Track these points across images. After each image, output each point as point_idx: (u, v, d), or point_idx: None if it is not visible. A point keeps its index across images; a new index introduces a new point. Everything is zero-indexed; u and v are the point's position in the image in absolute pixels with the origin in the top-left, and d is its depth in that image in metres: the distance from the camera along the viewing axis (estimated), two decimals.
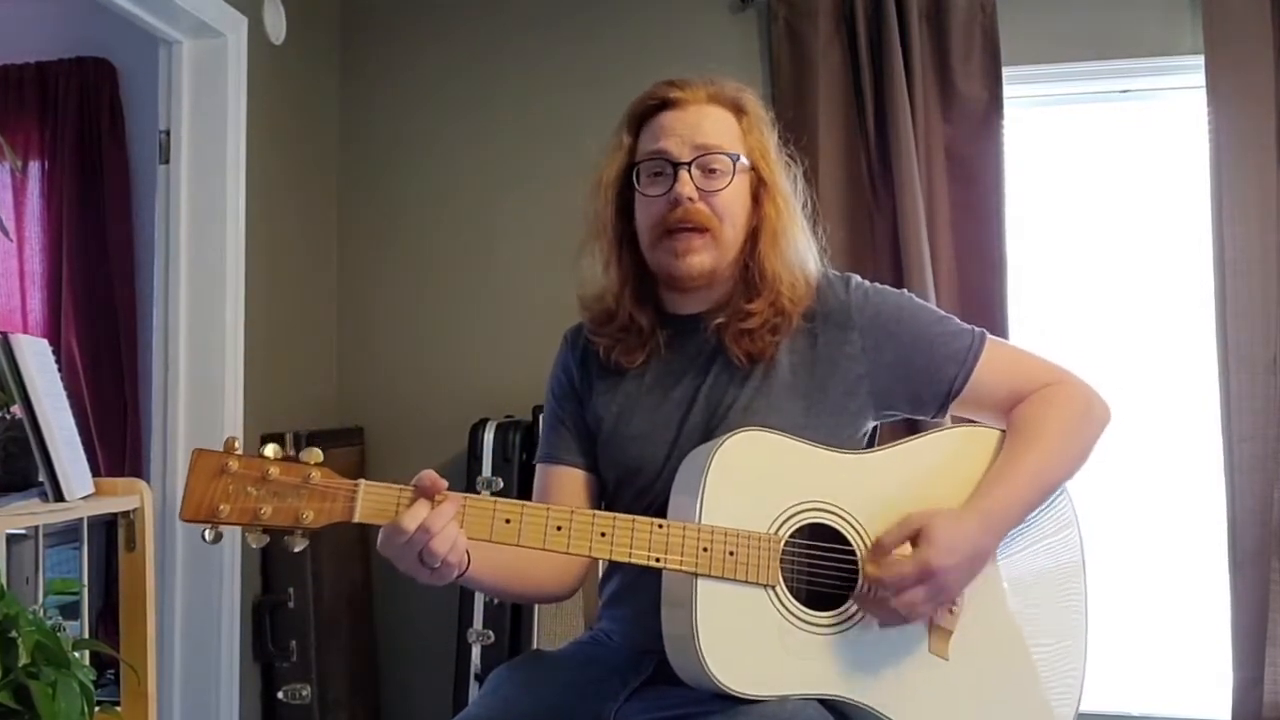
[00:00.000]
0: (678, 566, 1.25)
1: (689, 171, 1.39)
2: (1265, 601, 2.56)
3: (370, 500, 1.19)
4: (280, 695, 2.78)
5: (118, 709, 2.00)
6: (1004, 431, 1.43)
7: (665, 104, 1.43)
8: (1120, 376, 2.83)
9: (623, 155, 1.46)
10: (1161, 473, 2.87)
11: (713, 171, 1.40)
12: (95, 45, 3.65)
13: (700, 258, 1.39)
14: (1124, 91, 2.93)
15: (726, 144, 1.41)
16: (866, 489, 1.34)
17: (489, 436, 2.84)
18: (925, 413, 1.47)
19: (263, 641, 2.77)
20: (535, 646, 2.69)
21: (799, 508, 1.31)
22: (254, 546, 1.18)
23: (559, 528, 1.24)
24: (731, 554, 1.26)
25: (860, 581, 1.30)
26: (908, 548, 1.28)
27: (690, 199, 1.38)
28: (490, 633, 2.76)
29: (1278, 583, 2.56)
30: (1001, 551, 1.37)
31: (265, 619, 2.77)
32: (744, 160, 1.42)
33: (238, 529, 1.17)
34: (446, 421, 2.99)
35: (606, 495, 1.52)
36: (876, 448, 1.44)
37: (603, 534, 1.25)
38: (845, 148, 2.84)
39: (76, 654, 1.54)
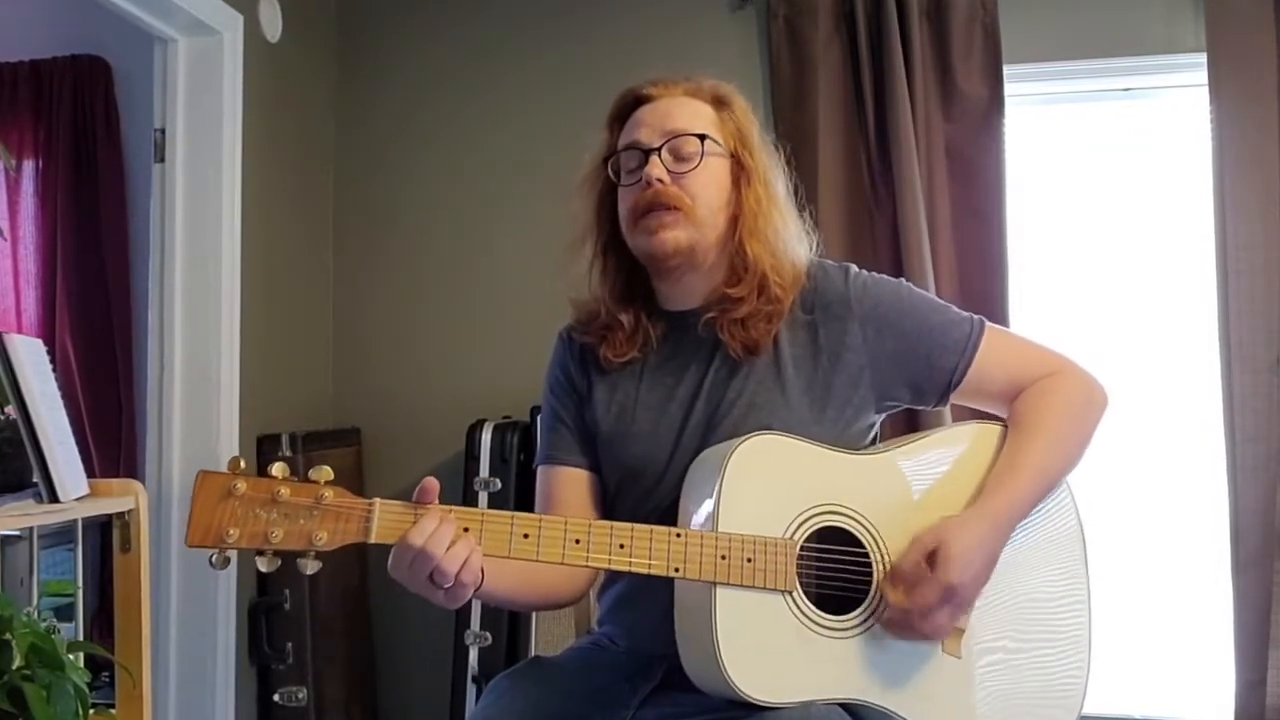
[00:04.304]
0: (697, 576, 1.24)
1: (659, 155, 1.40)
2: (1268, 603, 2.55)
3: (386, 519, 1.15)
4: (276, 698, 2.76)
5: (112, 712, 1.98)
6: (1006, 425, 1.44)
7: (641, 100, 1.46)
8: (1122, 377, 2.82)
9: (603, 152, 1.49)
10: (1164, 474, 2.86)
11: (684, 156, 1.41)
12: (90, 43, 3.63)
13: (674, 234, 1.39)
14: (1126, 90, 2.92)
15: (697, 128, 1.42)
16: (877, 490, 1.35)
17: (486, 437, 2.83)
18: (926, 403, 1.46)
19: (259, 643, 2.75)
20: (533, 648, 2.67)
21: (812, 511, 1.31)
22: (264, 570, 1.13)
23: (577, 540, 1.22)
24: (749, 560, 1.25)
25: (875, 597, 1.30)
26: (924, 567, 1.27)
27: (660, 180, 1.39)
28: (488, 634, 2.75)
29: None
30: (1007, 546, 1.37)
31: (261, 621, 2.75)
32: (716, 142, 1.43)
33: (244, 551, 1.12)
34: (444, 422, 2.98)
35: (608, 497, 1.49)
36: (885, 448, 1.42)
37: (621, 545, 1.24)
38: (845, 147, 2.83)
39: (71, 656, 1.53)
